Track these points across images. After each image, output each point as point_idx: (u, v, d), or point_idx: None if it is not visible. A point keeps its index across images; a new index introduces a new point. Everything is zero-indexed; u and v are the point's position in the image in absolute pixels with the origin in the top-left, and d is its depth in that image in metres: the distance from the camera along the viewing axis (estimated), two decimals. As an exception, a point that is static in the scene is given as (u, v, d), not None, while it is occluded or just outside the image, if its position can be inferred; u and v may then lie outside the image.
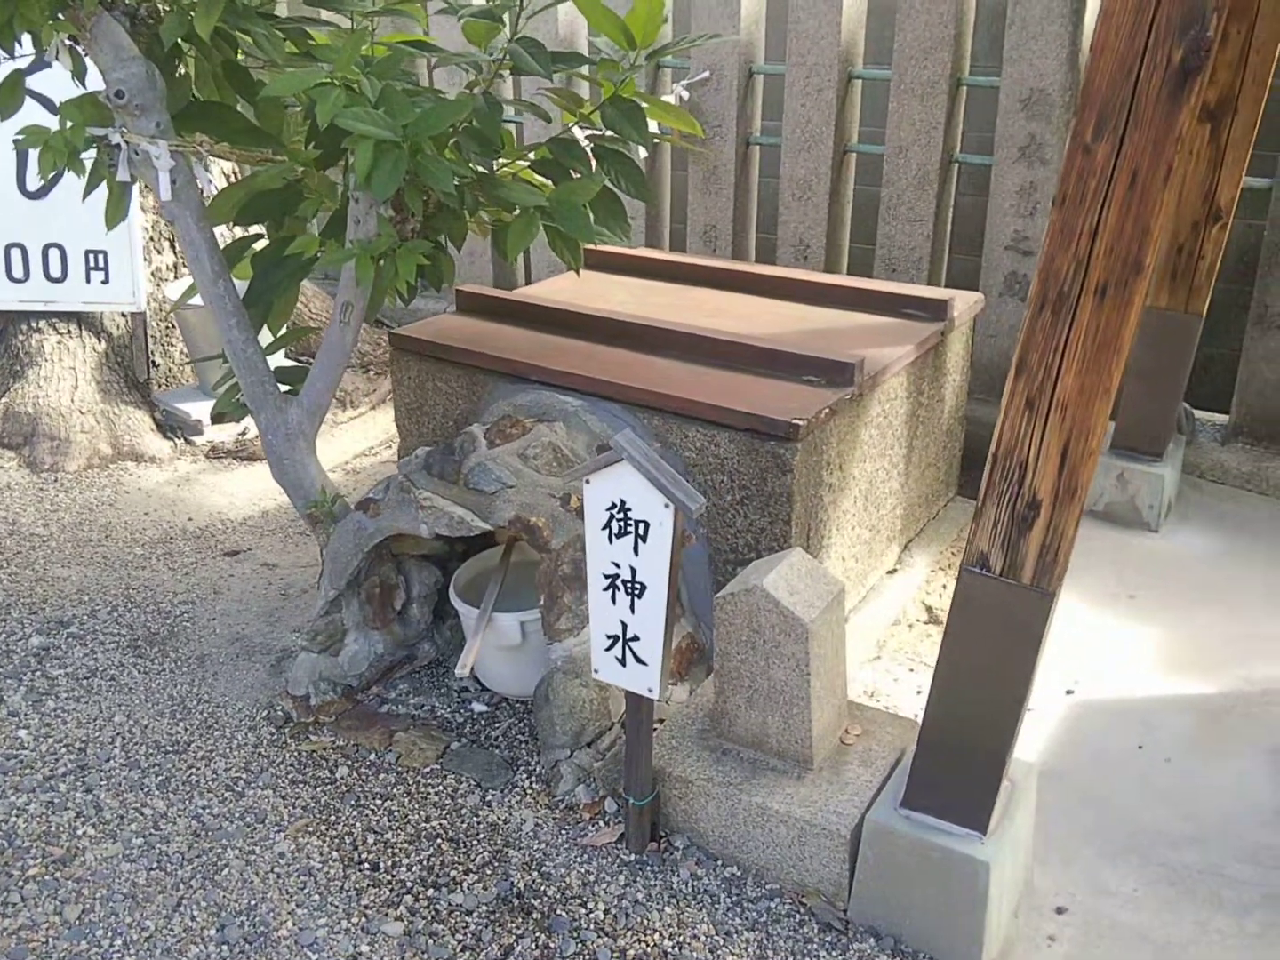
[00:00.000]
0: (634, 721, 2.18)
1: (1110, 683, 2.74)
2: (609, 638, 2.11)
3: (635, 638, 2.08)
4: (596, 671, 2.17)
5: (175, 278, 4.19)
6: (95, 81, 2.37)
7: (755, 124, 4.10)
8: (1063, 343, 1.77)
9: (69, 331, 3.91)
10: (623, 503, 1.98)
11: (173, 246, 4.18)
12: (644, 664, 2.09)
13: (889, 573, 3.13)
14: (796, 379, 2.68)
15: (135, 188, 2.49)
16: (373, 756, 2.54)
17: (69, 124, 2.28)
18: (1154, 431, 3.33)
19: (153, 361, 4.12)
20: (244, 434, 4.00)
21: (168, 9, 2.35)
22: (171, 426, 4.02)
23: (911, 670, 2.79)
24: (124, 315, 4.00)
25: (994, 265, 3.74)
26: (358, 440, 4.09)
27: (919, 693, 2.69)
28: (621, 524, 1.99)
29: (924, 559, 3.20)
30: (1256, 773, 2.47)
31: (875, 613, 2.95)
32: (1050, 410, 1.80)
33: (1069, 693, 2.71)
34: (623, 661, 2.11)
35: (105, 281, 3.85)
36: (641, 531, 1.98)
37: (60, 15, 2.20)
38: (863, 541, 2.93)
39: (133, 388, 4.01)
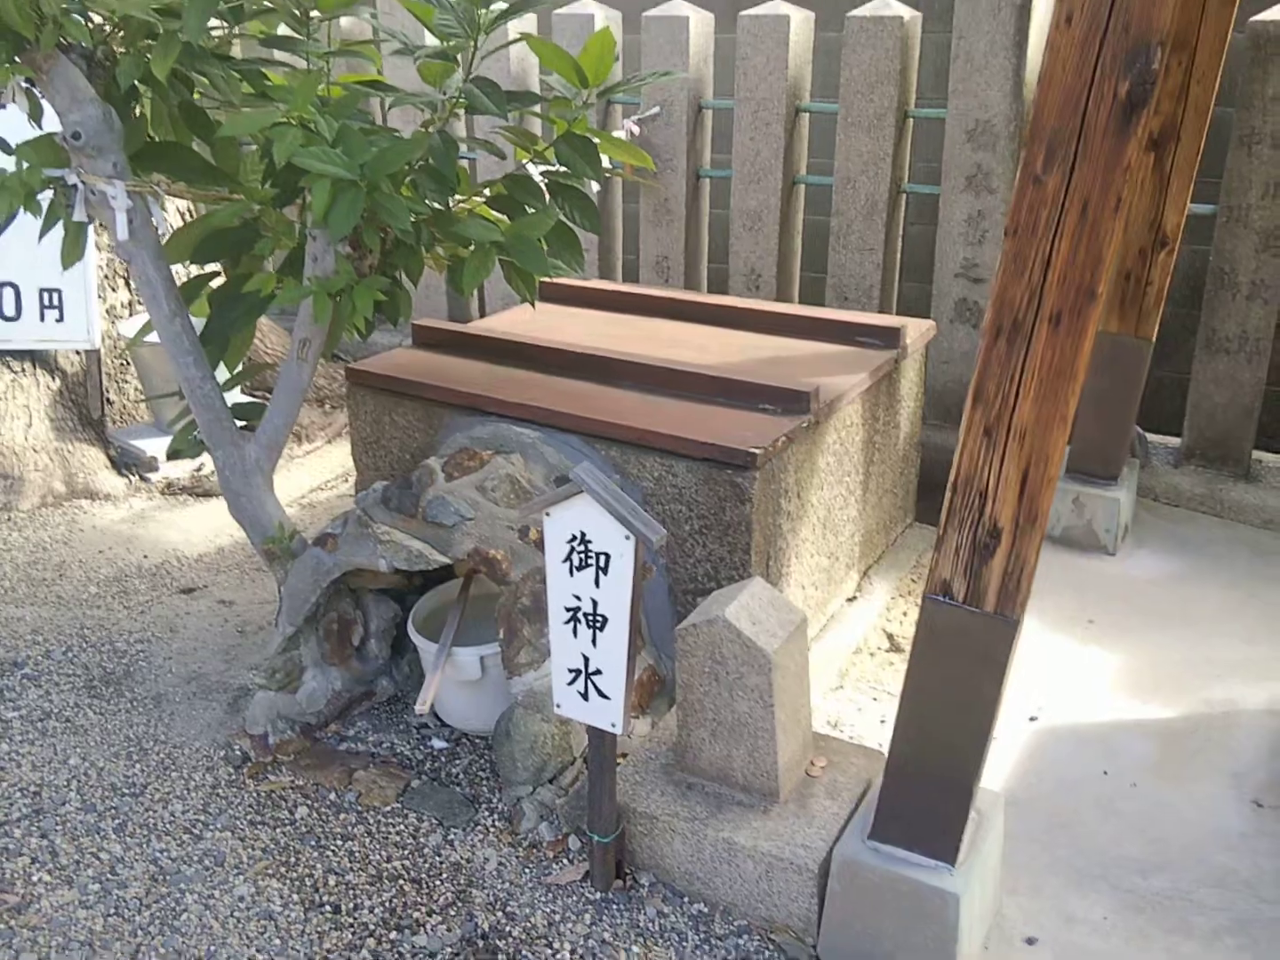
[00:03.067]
0: (597, 757, 2.16)
1: (1073, 708, 2.76)
2: (571, 671, 2.10)
3: (597, 671, 2.07)
4: (559, 706, 2.16)
5: (130, 315, 4.15)
6: (51, 123, 2.36)
7: (705, 157, 4.14)
8: (1019, 371, 1.79)
9: (23, 370, 3.86)
10: (583, 535, 1.97)
11: (127, 284, 4.14)
12: (607, 698, 2.08)
13: (849, 600, 3.14)
14: (753, 408, 2.69)
15: (90, 226, 2.47)
16: (333, 796, 2.51)
17: (25, 165, 2.26)
18: (1108, 455, 3.37)
19: (107, 399, 4.07)
20: (199, 470, 3.96)
21: (123, 51, 2.34)
22: (126, 464, 3.97)
23: (875, 699, 2.79)
24: (78, 353, 3.95)
25: (944, 292, 3.79)
26: (313, 475, 4.06)
27: (883, 722, 2.69)
28: (582, 556, 1.99)
29: (884, 586, 3.21)
30: (1221, 796, 2.48)
31: (836, 641, 2.95)
32: (1009, 438, 1.82)
33: (1032, 719, 2.72)
34: (585, 696, 2.10)
35: (60, 320, 3.80)
36: (602, 564, 1.97)
37: (16, 58, 2.18)
38: (822, 569, 2.94)
39: (87, 425, 3.96)
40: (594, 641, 2.05)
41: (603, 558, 1.97)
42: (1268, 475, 3.60)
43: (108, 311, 4.07)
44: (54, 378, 3.93)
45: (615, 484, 2.04)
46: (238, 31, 2.47)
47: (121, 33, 2.35)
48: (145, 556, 3.51)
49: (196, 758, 2.63)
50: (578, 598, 2.03)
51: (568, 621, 2.06)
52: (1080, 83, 1.66)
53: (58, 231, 2.46)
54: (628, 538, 1.93)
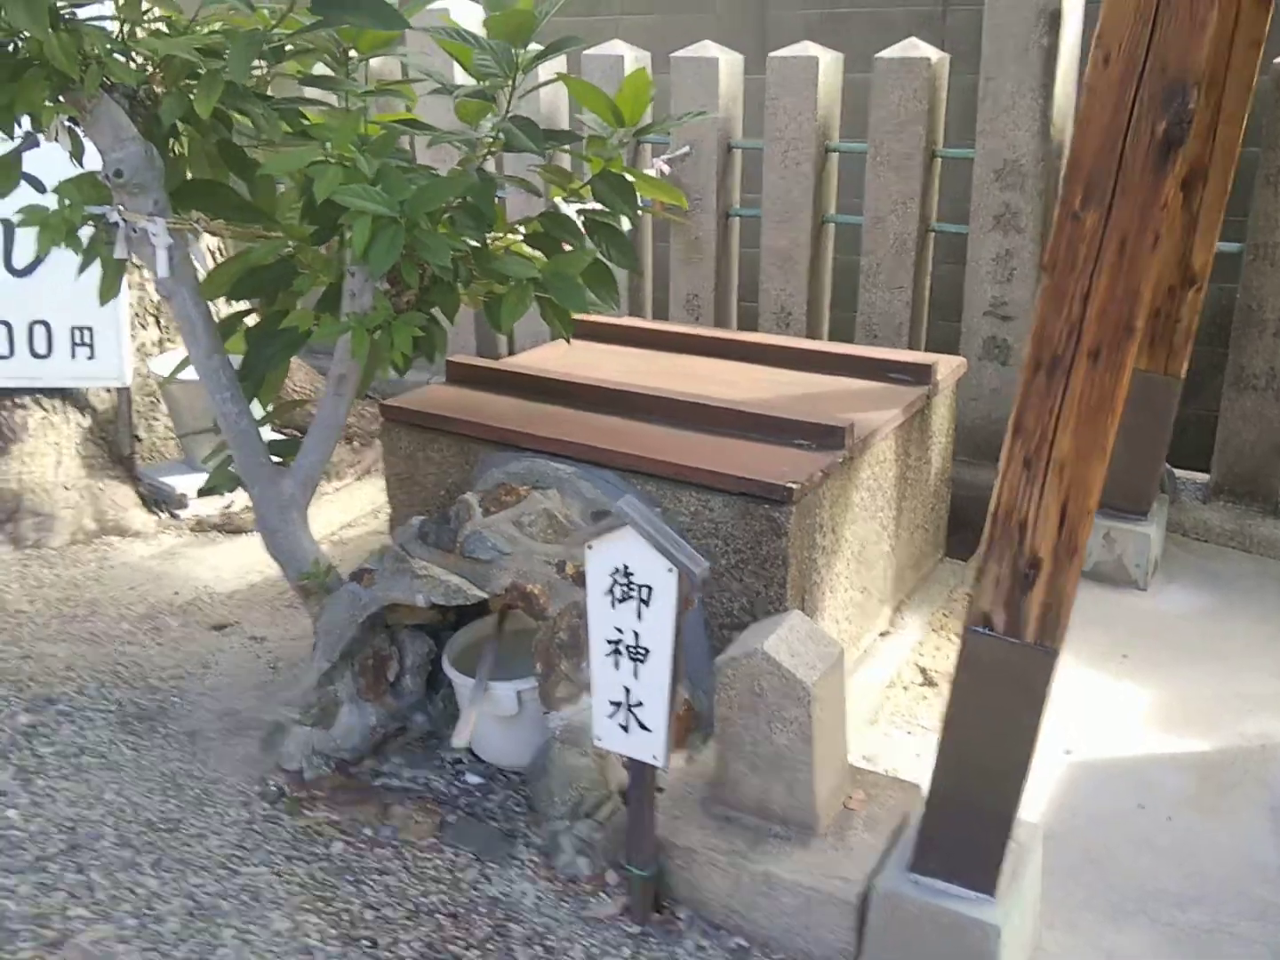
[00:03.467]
0: (637, 790, 2.16)
1: (1108, 742, 2.75)
2: (612, 704, 2.10)
3: (639, 704, 2.07)
4: (599, 739, 2.16)
5: (159, 353, 4.19)
6: (89, 160, 2.40)
7: (735, 196, 4.18)
8: (1058, 404, 1.81)
9: (53, 407, 3.90)
10: (625, 568, 1.98)
11: (157, 322, 4.19)
12: (648, 730, 2.08)
13: (881, 635, 3.14)
14: (788, 443, 2.71)
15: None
16: (368, 831, 2.50)
17: (67, 202, 2.30)
18: (1139, 490, 3.37)
19: (136, 436, 4.10)
20: (229, 507, 3.99)
21: (164, 91, 2.39)
22: (156, 501, 4.00)
23: (909, 733, 2.78)
24: (108, 390, 3.99)
25: (973, 330, 3.81)
26: (343, 511, 4.08)
27: (918, 756, 2.68)
28: (624, 589, 2.00)
29: (916, 620, 3.21)
30: (1257, 830, 2.47)
31: (870, 676, 2.95)
32: (1048, 470, 1.83)
33: (1067, 753, 2.71)
34: (626, 728, 2.10)
35: (91, 357, 3.85)
36: (644, 596, 1.98)
37: (60, 98, 2.23)
38: (855, 604, 2.94)
39: (117, 462, 3.99)
40: (635, 674, 2.05)
41: (645, 590, 1.98)
42: (1296, 511, 3.60)
43: (138, 349, 4.11)
44: (84, 415, 3.98)
45: (657, 517, 2.05)
46: (276, 71, 2.52)
47: (161, 72, 2.40)
48: (176, 593, 3.53)
49: (232, 793, 2.63)
50: (619, 630, 2.04)
51: (609, 654, 2.07)
52: (1118, 122, 1.69)
53: (91, 269, 2.51)
54: (670, 570, 1.94)
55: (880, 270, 3.88)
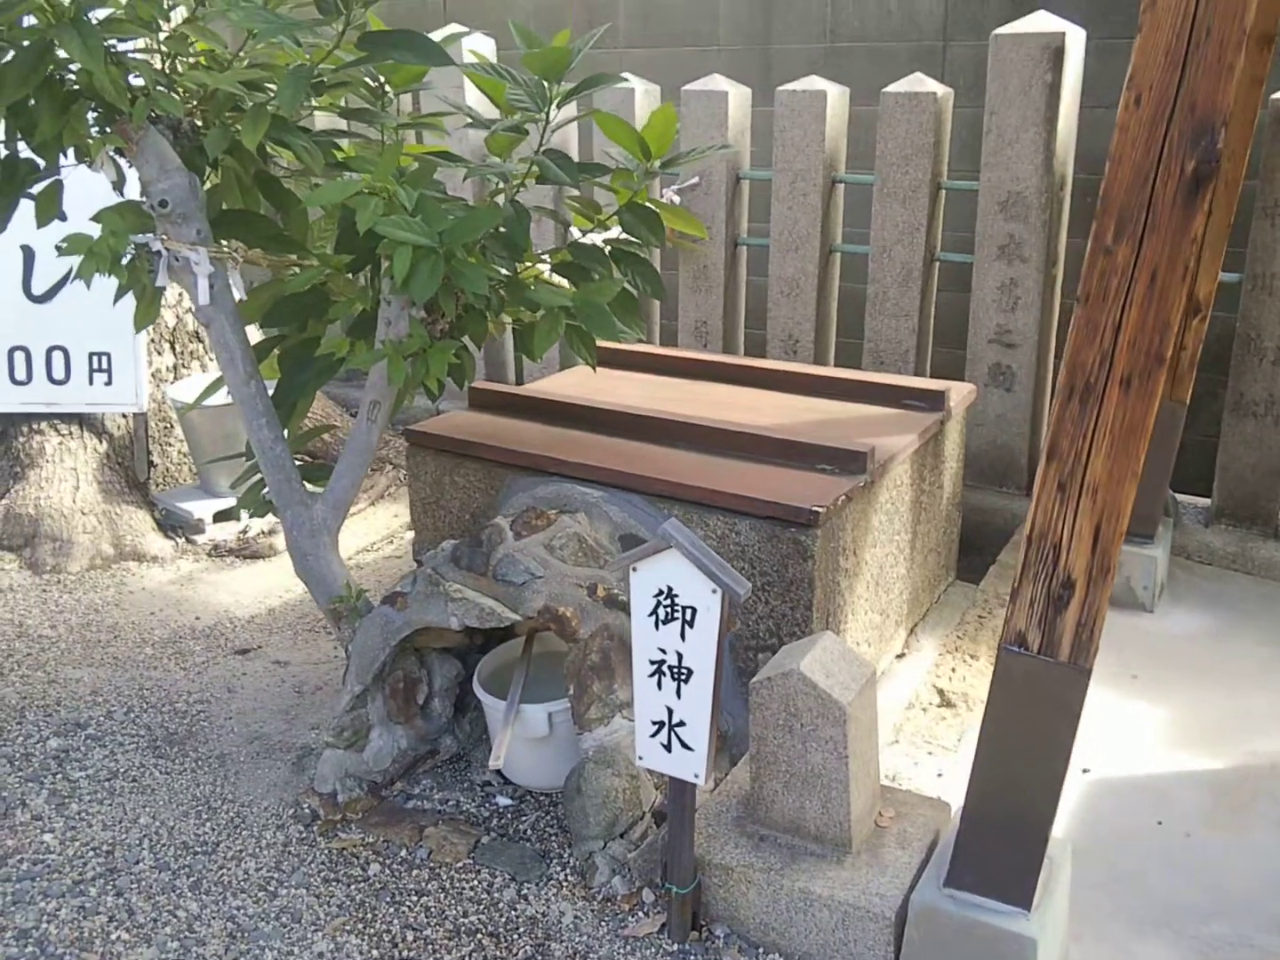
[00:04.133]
0: (677, 808, 2.21)
1: (1124, 761, 2.80)
2: (654, 724, 2.15)
3: (681, 723, 2.12)
4: (641, 758, 2.20)
5: (174, 379, 4.23)
6: (129, 189, 2.45)
7: (743, 226, 4.25)
8: (1091, 430, 1.87)
9: (70, 433, 3.93)
10: (670, 589, 2.03)
11: (173, 348, 4.23)
12: (690, 749, 2.13)
13: (898, 657, 3.19)
14: (810, 468, 2.77)
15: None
16: (404, 853, 2.54)
17: (110, 231, 2.35)
18: (1145, 514, 3.44)
19: (151, 462, 4.13)
20: (245, 533, 4.02)
21: (202, 124, 2.45)
22: (172, 526, 4.03)
23: (930, 754, 2.83)
24: (124, 416, 4.03)
25: (978, 357, 3.88)
26: (358, 537, 4.11)
27: (940, 775, 2.73)
28: (669, 610, 2.05)
29: (931, 642, 3.27)
30: (1272, 846, 2.53)
31: (889, 697, 3.00)
32: (1081, 493, 1.90)
33: (1085, 771, 2.76)
34: (668, 747, 2.15)
35: (108, 383, 3.89)
36: (689, 617, 2.03)
37: (108, 129, 2.28)
38: (874, 626, 3.00)
39: (133, 488, 4.02)
40: (678, 693, 2.10)
41: (689, 611, 2.03)
42: (1295, 534, 3.68)
43: (153, 375, 4.15)
44: (101, 440, 4.01)
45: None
46: (315, 104, 2.58)
47: (202, 106, 2.45)
48: (197, 618, 3.56)
49: (266, 816, 2.65)
50: (663, 651, 2.09)
51: (652, 674, 2.11)
52: (1149, 160, 1.76)
53: (104, 293, 2.54)
54: (715, 591, 1.99)
55: (887, 298, 3.95)
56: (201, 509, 4.02)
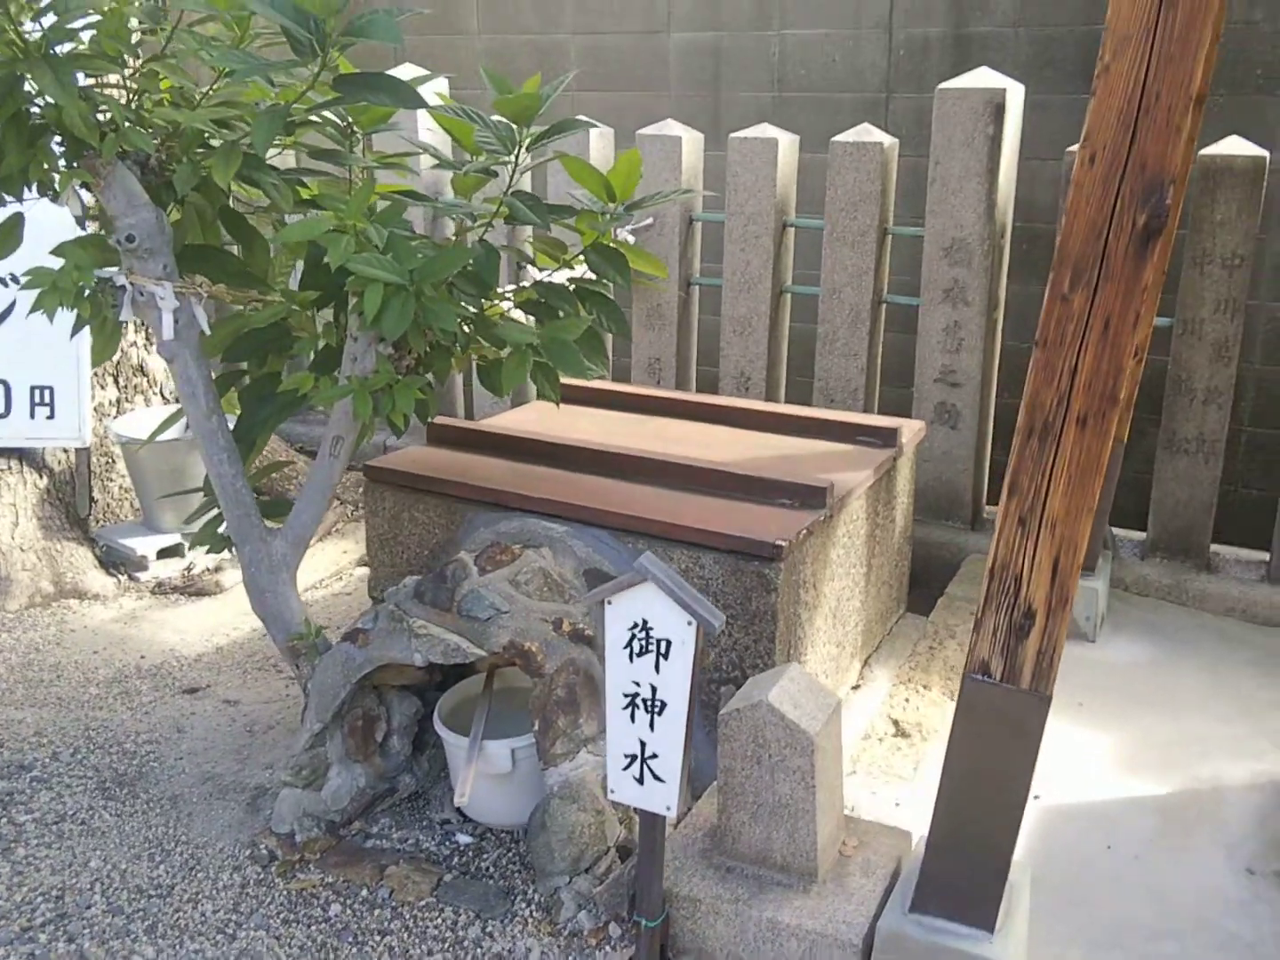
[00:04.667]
0: (647, 841, 2.22)
1: (1073, 787, 2.87)
2: (627, 757, 2.16)
3: (654, 755, 2.14)
4: (613, 791, 2.21)
5: (117, 413, 4.17)
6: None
7: (695, 266, 4.33)
8: (1050, 467, 1.95)
9: (9, 467, 3.85)
10: (644, 622, 2.06)
11: (116, 382, 4.17)
12: (662, 781, 2.14)
13: (853, 688, 3.24)
14: (771, 502, 2.82)
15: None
16: (364, 892, 2.51)
17: (74, 264, 2.33)
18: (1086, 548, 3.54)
19: (92, 497, 4.07)
20: (190, 569, 3.96)
21: (167, 159, 2.44)
22: (114, 563, 3.96)
23: (887, 783, 2.88)
24: (66, 451, 3.96)
25: (925, 396, 3.98)
26: (306, 573, 4.02)
27: (898, 805, 2.78)
28: (643, 643, 2.07)
29: (884, 674, 3.32)
30: (1217, 867, 2.61)
31: (845, 728, 2.99)
32: (1041, 527, 1.97)
33: (1036, 797, 2.82)
34: (640, 780, 2.16)
35: (50, 417, 3.82)
36: (663, 649, 2.06)
37: (75, 163, 2.27)
38: (831, 658, 3.05)
39: (74, 524, 3.95)
40: (651, 726, 2.12)
41: (664, 644, 2.05)
42: (1226, 566, 3.81)
43: (95, 409, 4.09)
44: (41, 475, 3.93)
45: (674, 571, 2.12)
46: (284, 143, 2.59)
47: (170, 143, 2.45)
48: (142, 657, 3.50)
49: (221, 857, 2.61)
50: (637, 683, 2.11)
51: (625, 707, 2.13)
52: (1103, 214, 1.85)
53: (48, 328, 2.51)
54: (690, 623, 2.02)
55: (837, 338, 4.04)
56: (144, 545, 3.96)
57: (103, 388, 4.14)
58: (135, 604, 3.84)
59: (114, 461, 4.20)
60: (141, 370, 4.27)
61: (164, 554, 4.00)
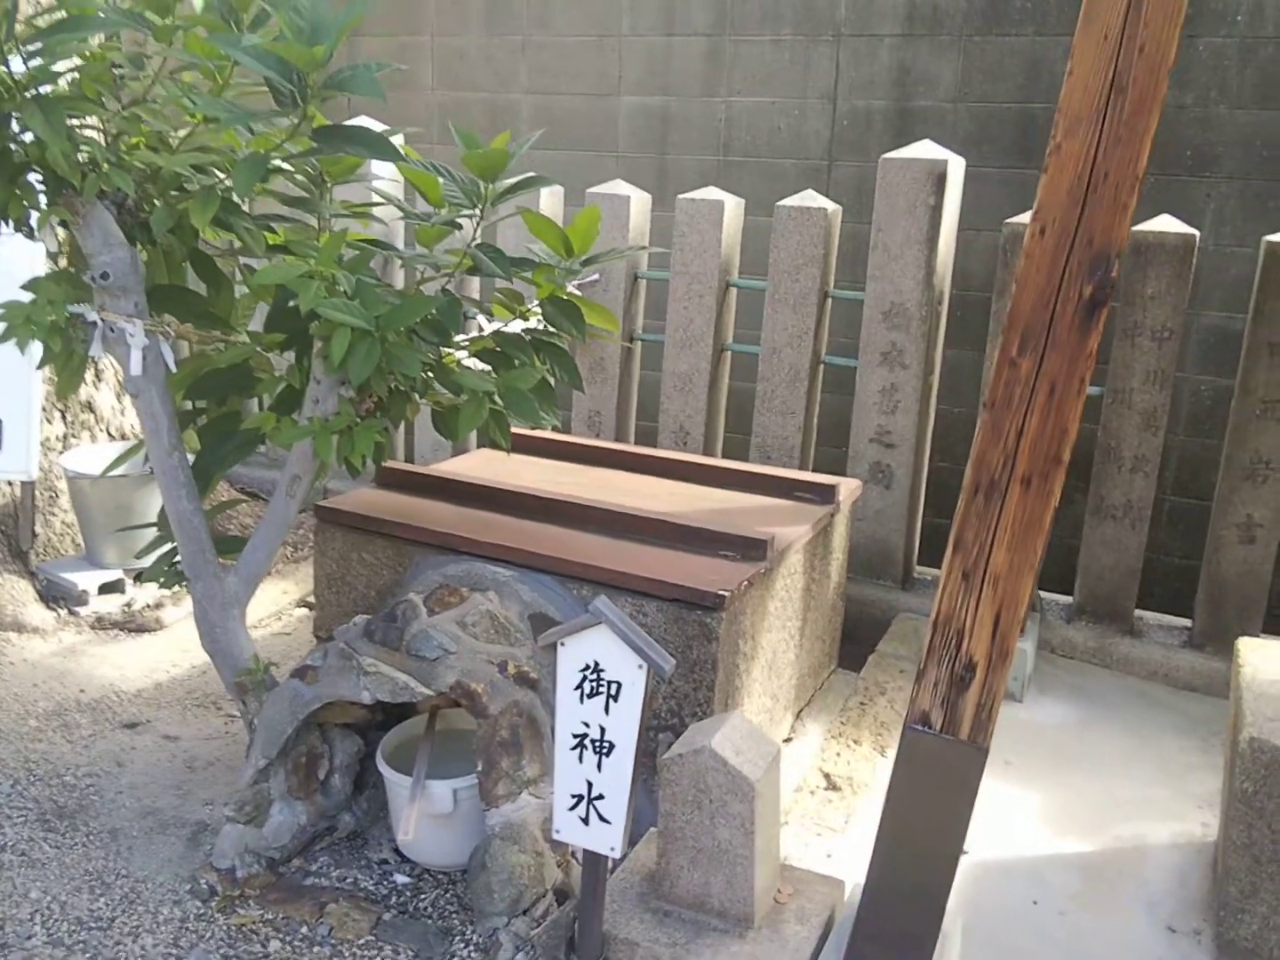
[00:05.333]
0: (590, 882, 2.26)
1: (1001, 843, 2.96)
2: (574, 797, 2.21)
3: (600, 796, 2.19)
4: (558, 832, 2.26)
5: (64, 448, 4.16)
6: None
7: (639, 322, 4.43)
8: (994, 524, 2.04)
9: (-48, 499, 3.83)
10: (597, 664, 2.12)
11: (63, 417, 4.16)
12: (608, 823, 2.19)
13: (785, 741, 3.31)
14: (714, 553, 2.90)
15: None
16: (305, 929, 2.52)
17: (47, 299, 2.37)
18: (1015, 609, 3.66)
19: (34, 531, 4.04)
20: (130, 605, 3.94)
21: (144, 201, 2.49)
22: (55, 597, 3.93)
23: (819, 834, 2.94)
24: (10, 484, 3.94)
25: (860, 455, 4.10)
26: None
27: (829, 856, 2.84)
28: (594, 684, 2.13)
29: (816, 728, 3.40)
30: (1139, 922, 2.70)
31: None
32: (984, 583, 2.05)
33: (965, 852, 2.89)
34: (586, 820, 2.21)
35: (-2, 450, 3.81)
36: (614, 691, 2.12)
37: (55, 200, 2.31)
38: (766, 710, 3.12)
39: (15, 557, 3.92)
40: (599, 767, 2.17)
41: (614, 686, 2.11)
42: (1149, 631, 3.95)
43: (42, 444, 4.07)
44: (-17, 508, 3.91)
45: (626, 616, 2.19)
46: (259, 189, 2.65)
47: (147, 184, 2.50)
48: (82, 691, 3.47)
49: (161, 892, 2.61)
50: (586, 724, 2.16)
51: (574, 748, 2.18)
52: (1051, 284, 1.97)
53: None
54: (641, 666, 2.08)
55: (775, 396, 4.16)
56: (86, 580, 3.93)
57: (49, 422, 4.13)
58: (75, 638, 3.81)
59: (57, 496, 4.18)
60: (89, 406, 4.27)
61: (105, 589, 3.98)
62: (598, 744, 2.16)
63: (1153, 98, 1.83)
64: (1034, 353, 1.98)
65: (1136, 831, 3.04)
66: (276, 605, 4.12)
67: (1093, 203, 1.90)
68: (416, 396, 2.71)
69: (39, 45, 2.13)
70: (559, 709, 2.18)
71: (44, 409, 4.10)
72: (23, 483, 3.92)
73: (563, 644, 2.14)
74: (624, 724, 2.14)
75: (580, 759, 2.19)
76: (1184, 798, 3.19)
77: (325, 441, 2.51)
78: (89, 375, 4.28)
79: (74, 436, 4.19)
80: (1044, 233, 1.95)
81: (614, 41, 5.35)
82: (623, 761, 2.16)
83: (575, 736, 2.18)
